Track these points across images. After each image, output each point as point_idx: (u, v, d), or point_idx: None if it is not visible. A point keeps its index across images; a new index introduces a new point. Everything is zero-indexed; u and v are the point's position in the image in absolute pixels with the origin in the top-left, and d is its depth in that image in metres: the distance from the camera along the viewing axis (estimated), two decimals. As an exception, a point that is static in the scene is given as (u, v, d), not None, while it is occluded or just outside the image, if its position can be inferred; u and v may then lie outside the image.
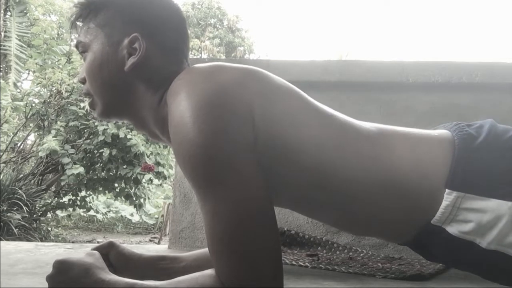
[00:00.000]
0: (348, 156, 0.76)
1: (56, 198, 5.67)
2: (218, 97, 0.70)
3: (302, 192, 0.78)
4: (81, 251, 1.81)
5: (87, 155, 5.24)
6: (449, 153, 0.75)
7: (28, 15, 9.56)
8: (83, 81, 0.88)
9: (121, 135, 4.97)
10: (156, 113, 0.84)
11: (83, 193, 5.74)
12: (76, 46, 0.89)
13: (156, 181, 5.79)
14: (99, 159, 5.19)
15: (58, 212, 6.21)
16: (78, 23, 0.89)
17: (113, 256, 0.91)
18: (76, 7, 0.89)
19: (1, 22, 9.09)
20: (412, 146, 0.78)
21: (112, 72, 0.84)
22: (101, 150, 5.09)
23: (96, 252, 0.83)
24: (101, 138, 4.96)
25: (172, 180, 5.67)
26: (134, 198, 5.62)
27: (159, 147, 5.45)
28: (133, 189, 5.51)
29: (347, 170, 0.75)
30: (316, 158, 0.75)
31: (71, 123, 5.18)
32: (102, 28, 0.85)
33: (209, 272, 0.70)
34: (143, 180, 5.36)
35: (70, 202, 5.71)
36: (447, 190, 0.72)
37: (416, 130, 0.83)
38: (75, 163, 4.99)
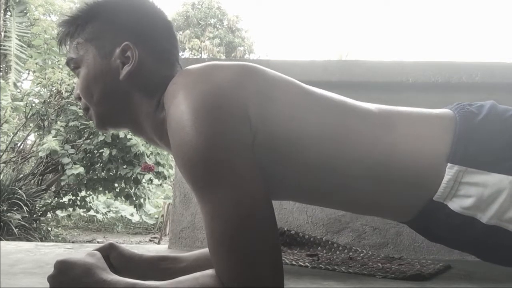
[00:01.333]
0: (348, 139, 0.76)
1: (56, 198, 5.66)
2: (215, 99, 0.71)
3: (302, 183, 0.79)
4: (81, 251, 1.81)
5: (87, 155, 5.23)
6: (450, 129, 0.76)
7: (28, 15, 9.55)
8: (79, 97, 0.89)
9: (121, 135, 4.97)
10: (153, 118, 0.84)
11: (83, 193, 5.73)
12: (68, 63, 0.89)
13: (156, 181, 5.79)
14: (99, 159, 5.19)
15: (58, 212, 6.20)
16: (66, 40, 0.89)
17: (113, 257, 0.91)
18: (62, 25, 0.89)
19: (1, 22, 9.09)
20: (413, 123, 0.80)
21: (107, 83, 0.84)
22: (101, 150, 5.09)
23: (97, 252, 0.83)
24: (101, 138, 4.96)
25: (172, 180, 5.66)
26: (134, 198, 5.61)
27: (159, 147, 5.44)
28: (133, 189, 5.51)
29: (348, 152, 0.76)
30: (317, 150, 0.76)
31: (71, 123, 5.18)
32: (92, 42, 0.85)
33: (210, 272, 0.70)
34: (143, 180, 5.36)
35: (70, 202, 5.71)
36: (448, 165, 0.73)
37: (417, 109, 0.84)
38: (75, 163, 4.98)
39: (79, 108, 5.12)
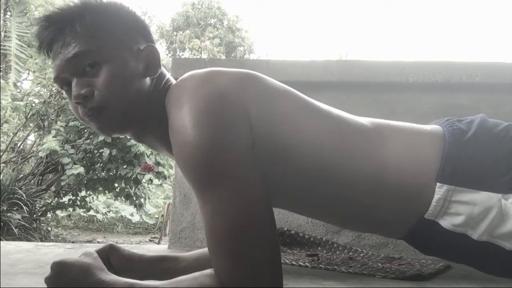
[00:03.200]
0: (343, 155, 0.77)
1: (56, 198, 5.66)
2: (216, 102, 0.72)
3: (299, 191, 0.79)
4: (81, 251, 1.81)
5: (87, 155, 5.23)
6: (440, 148, 0.77)
7: (28, 15, 9.55)
8: (91, 94, 0.80)
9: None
10: (157, 120, 0.85)
11: (83, 193, 5.73)
12: (82, 54, 0.79)
13: (156, 181, 5.79)
14: (99, 159, 5.19)
15: (58, 212, 6.21)
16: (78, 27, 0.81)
17: (113, 259, 0.91)
18: (56, 19, 0.82)
19: (1, 22, 9.09)
20: (406, 141, 0.81)
21: (137, 80, 0.82)
22: (101, 150, 5.09)
23: (93, 251, 0.83)
24: (101, 138, 4.96)
25: (172, 180, 5.66)
26: (134, 198, 5.61)
27: (159, 147, 5.43)
28: (133, 189, 5.51)
29: (343, 168, 0.77)
30: (313, 158, 0.76)
31: (71, 123, 5.18)
32: (117, 35, 0.82)
33: (209, 272, 0.70)
34: (143, 180, 5.36)
35: (70, 202, 5.71)
36: (438, 184, 0.74)
37: (409, 124, 0.85)
38: (75, 163, 4.98)
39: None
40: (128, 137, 0.94)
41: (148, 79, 0.84)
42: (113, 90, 0.80)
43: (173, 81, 0.88)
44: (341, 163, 0.77)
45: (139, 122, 0.85)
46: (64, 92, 0.87)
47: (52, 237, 5.45)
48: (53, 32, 0.82)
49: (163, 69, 0.88)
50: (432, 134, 0.81)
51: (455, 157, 0.75)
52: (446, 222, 0.74)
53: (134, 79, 0.82)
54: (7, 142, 6.13)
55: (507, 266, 0.75)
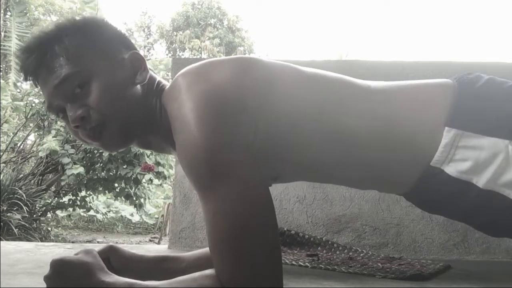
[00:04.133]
0: (346, 114, 0.79)
1: (56, 198, 5.66)
2: (215, 98, 0.72)
3: (306, 157, 0.81)
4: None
5: (87, 155, 5.23)
6: (448, 95, 0.78)
7: (28, 15, 9.55)
8: (86, 114, 0.79)
9: (121, 135, 4.96)
10: (159, 121, 0.85)
11: (83, 193, 5.73)
12: (68, 79, 0.78)
13: (156, 181, 5.78)
14: (99, 159, 5.19)
15: (58, 212, 6.20)
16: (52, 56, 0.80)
17: (114, 259, 0.91)
18: (40, 44, 0.82)
19: (1, 22, 9.09)
20: (410, 92, 0.82)
21: (128, 91, 0.82)
22: (101, 150, 5.08)
23: (93, 249, 0.81)
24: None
25: (172, 180, 5.66)
26: (134, 198, 5.61)
27: (159, 147, 5.43)
28: (133, 189, 5.50)
29: (346, 126, 0.78)
30: (317, 122, 0.78)
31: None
32: (99, 53, 0.82)
33: (209, 272, 0.70)
34: (143, 180, 5.35)
35: (70, 202, 5.70)
36: (446, 128, 0.75)
37: (415, 80, 0.86)
38: (75, 163, 4.98)
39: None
40: (136, 147, 0.93)
41: (139, 86, 0.84)
42: (107, 104, 0.79)
43: (165, 82, 0.89)
44: (344, 127, 0.78)
45: (142, 130, 0.85)
46: (62, 119, 0.87)
47: (52, 237, 5.44)
48: (34, 60, 0.81)
49: (151, 72, 0.88)
50: (440, 85, 0.82)
51: (465, 103, 0.76)
52: (452, 169, 0.74)
53: (126, 88, 0.82)
54: (7, 142, 6.12)
55: (509, 220, 0.74)
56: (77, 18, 0.86)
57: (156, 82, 0.88)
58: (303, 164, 0.82)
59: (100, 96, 0.79)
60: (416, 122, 0.78)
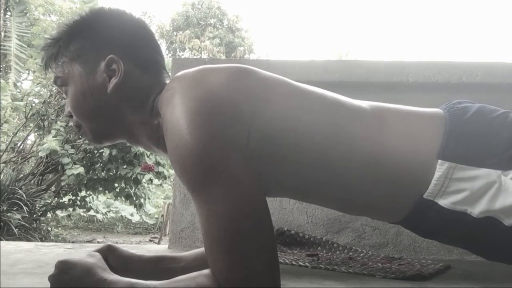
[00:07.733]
0: (340, 137, 0.78)
1: (56, 198, 5.66)
2: (209, 103, 0.72)
3: (297, 177, 0.79)
4: (81, 251, 1.81)
5: (87, 155, 5.23)
6: (441, 127, 0.78)
7: (28, 15, 9.56)
8: (70, 115, 0.91)
9: (121, 135, 4.96)
10: (148, 126, 0.86)
11: (83, 193, 5.73)
12: (55, 81, 0.91)
13: (156, 181, 5.79)
14: (99, 159, 5.19)
15: (58, 212, 6.21)
16: (51, 62, 0.91)
17: (112, 259, 0.91)
18: (45, 48, 0.91)
19: (1, 22, 9.10)
20: (404, 121, 0.81)
21: (96, 98, 0.86)
22: (101, 150, 5.08)
23: (97, 253, 0.84)
24: (101, 138, 4.95)
25: (172, 180, 5.67)
26: (134, 198, 5.61)
27: (159, 147, 5.43)
28: (133, 189, 5.51)
29: (340, 150, 0.77)
30: (309, 143, 0.77)
31: (71, 123, 5.15)
32: (76, 59, 0.87)
33: (206, 271, 0.70)
34: (143, 180, 5.36)
35: (70, 202, 5.71)
36: (439, 161, 0.74)
37: (408, 107, 0.85)
38: (75, 163, 4.98)
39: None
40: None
41: (119, 92, 0.85)
42: (75, 110, 0.88)
43: (165, 83, 0.89)
44: (338, 150, 0.77)
45: (126, 131, 0.88)
46: None
47: (52, 237, 5.45)
48: (45, 56, 0.92)
49: (144, 74, 0.87)
50: (433, 115, 0.82)
51: (457, 135, 0.76)
52: (446, 201, 0.74)
53: (95, 95, 0.86)
54: (7, 142, 6.13)
55: (506, 244, 0.74)
56: (75, 18, 0.90)
57: (153, 83, 0.87)
58: (292, 183, 0.81)
59: (71, 102, 0.88)
60: (409, 152, 0.77)
